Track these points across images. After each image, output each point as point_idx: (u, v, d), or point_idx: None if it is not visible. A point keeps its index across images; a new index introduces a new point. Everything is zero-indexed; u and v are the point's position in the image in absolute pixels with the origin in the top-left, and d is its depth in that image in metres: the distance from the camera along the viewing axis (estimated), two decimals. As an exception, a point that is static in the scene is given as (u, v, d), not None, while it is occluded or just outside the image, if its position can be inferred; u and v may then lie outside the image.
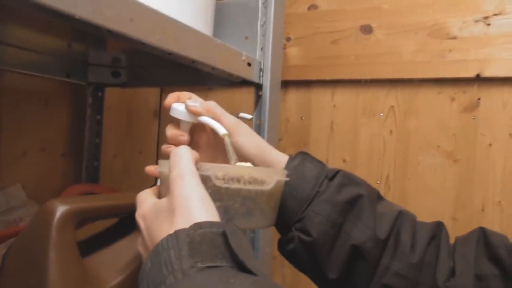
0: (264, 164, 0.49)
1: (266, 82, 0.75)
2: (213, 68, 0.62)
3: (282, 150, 1.04)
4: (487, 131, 0.87)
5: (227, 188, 0.37)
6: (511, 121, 0.86)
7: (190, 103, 0.49)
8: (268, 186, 0.40)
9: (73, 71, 0.83)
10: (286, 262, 0.50)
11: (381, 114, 0.96)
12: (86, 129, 0.92)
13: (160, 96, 1.18)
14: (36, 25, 0.63)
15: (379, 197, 0.49)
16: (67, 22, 0.38)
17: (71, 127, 0.91)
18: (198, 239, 0.30)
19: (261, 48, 0.76)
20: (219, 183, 0.37)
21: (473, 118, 0.88)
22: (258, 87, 0.76)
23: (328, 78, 0.99)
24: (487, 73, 0.86)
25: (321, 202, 0.46)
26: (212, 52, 0.60)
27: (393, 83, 0.95)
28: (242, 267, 0.30)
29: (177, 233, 0.31)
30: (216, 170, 0.38)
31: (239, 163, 0.46)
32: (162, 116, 1.16)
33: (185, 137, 0.49)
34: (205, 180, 0.37)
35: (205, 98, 1.22)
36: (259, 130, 0.75)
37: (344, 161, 1.00)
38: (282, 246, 0.48)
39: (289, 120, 1.05)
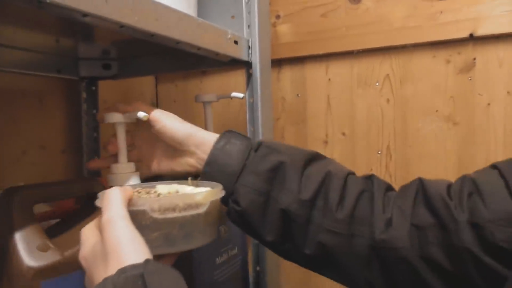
0: (188, 145, 0.54)
1: (256, 60, 0.74)
2: (199, 48, 0.61)
3: (280, 129, 1.04)
4: (485, 90, 0.86)
5: (164, 218, 0.39)
6: (508, 78, 0.84)
7: (120, 105, 0.58)
8: (203, 209, 0.42)
9: (64, 67, 0.83)
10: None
11: (377, 84, 0.95)
12: (83, 124, 0.92)
13: (156, 86, 1.18)
14: (23, 22, 0.63)
15: (311, 160, 0.52)
16: (38, 7, 0.37)
17: (68, 123, 0.91)
18: (121, 285, 0.31)
19: (248, 26, 0.75)
20: (155, 215, 0.39)
21: (470, 79, 0.87)
22: (248, 65, 0.75)
23: (320, 52, 0.99)
24: (480, 31, 0.84)
25: (247, 174, 0.50)
26: (196, 32, 0.59)
27: (386, 51, 0.94)
28: None
29: (104, 281, 0.33)
30: (151, 203, 0.39)
31: (170, 185, 0.48)
32: (160, 107, 1.16)
33: (112, 145, 0.57)
34: (142, 214, 0.39)
35: (200, 83, 1.23)
36: (252, 109, 0.75)
37: (344, 134, 0.99)
38: (228, 217, 0.53)
39: (285, 98, 1.05)
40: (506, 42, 0.83)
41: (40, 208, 0.62)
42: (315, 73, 1.01)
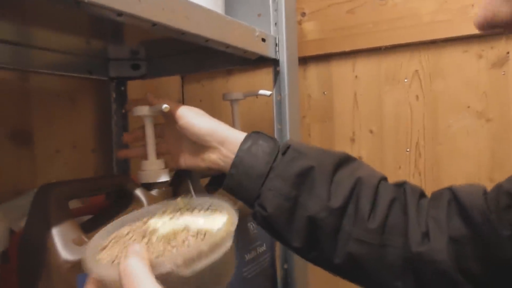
0: (212, 142, 0.53)
1: (283, 57, 0.74)
2: (228, 46, 0.62)
3: (306, 127, 1.04)
4: (520, 85, 0.83)
5: (193, 272, 0.33)
6: (544, 72, 0.81)
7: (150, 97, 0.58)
8: (229, 243, 0.36)
9: (94, 68, 0.85)
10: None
11: (406, 80, 0.94)
12: (113, 123, 0.94)
13: (182, 85, 1.19)
14: (55, 24, 0.65)
15: (340, 164, 0.50)
16: (75, 7, 0.38)
17: (98, 123, 0.93)
18: None
19: (275, 24, 0.75)
20: (182, 272, 0.32)
21: (503, 74, 0.85)
22: (276, 63, 0.75)
23: (347, 49, 0.98)
24: (515, 24, 0.81)
25: (273, 177, 0.48)
26: (225, 30, 0.60)
27: (415, 46, 0.92)
28: None
29: None
30: (174, 259, 0.32)
31: (181, 219, 0.40)
32: (186, 104, 1.18)
33: (125, 136, 0.61)
34: (168, 276, 0.32)
35: (226, 82, 1.23)
36: (280, 106, 0.75)
37: (371, 132, 0.98)
38: (254, 221, 0.52)
39: (311, 96, 1.04)
40: (542, 35, 0.81)
41: (73, 204, 0.63)
42: (341, 70, 1.00)
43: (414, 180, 0.93)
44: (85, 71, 0.83)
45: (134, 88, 0.98)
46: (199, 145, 0.55)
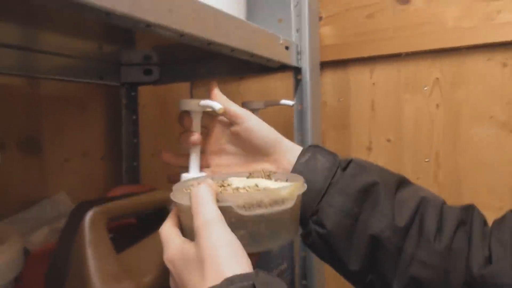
0: (274, 151, 0.49)
1: (305, 65, 0.71)
2: (252, 55, 0.59)
3: (322, 134, 1.01)
4: (546, 96, 0.81)
5: (250, 215, 0.37)
6: None
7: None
8: (289, 204, 0.39)
9: (106, 73, 0.81)
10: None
11: (425, 88, 0.91)
12: (123, 130, 0.91)
13: (191, 91, 1.16)
14: (66, 29, 0.62)
15: (402, 183, 0.47)
16: (105, 19, 0.35)
17: (108, 130, 0.90)
18: None
19: (297, 30, 0.72)
20: (241, 211, 0.36)
21: (529, 83, 0.82)
22: (297, 70, 0.72)
23: (365, 55, 0.94)
24: (543, 33, 0.79)
25: (334, 193, 0.45)
26: (250, 38, 0.57)
27: (436, 53, 0.89)
28: None
29: None
30: (236, 198, 0.37)
31: (256, 179, 0.45)
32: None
33: (196, 135, 0.50)
34: (227, 210, 0.36)
35: (237, 87, 1.20)
36: (301, 116, 0.72)
37: (389, 141, 0.95)
38: (304, 240, 0.48)
39: (326, 103, 1.01)
40: None
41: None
42: (359, 76, 0.97)
43: (433, 192, 0.90)
44: (96, 76, 0.80)
45: (144, 93, 0.95)
46: (254, 154, 0.50)
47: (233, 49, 0.54)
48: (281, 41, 0.65)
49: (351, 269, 0.45)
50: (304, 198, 0.44)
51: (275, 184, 0.43)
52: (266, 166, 0.50)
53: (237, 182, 0.43)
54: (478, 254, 0.42)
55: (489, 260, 0.41)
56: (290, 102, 0.69)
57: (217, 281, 0.30)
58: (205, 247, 0.33)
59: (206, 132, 0.54)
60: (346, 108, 0.99)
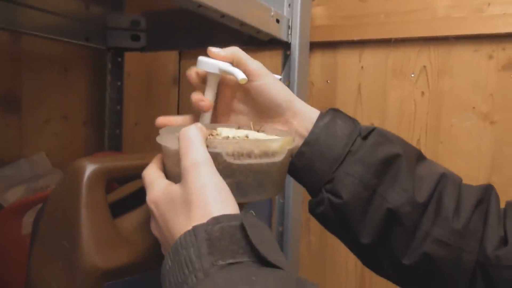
0: (287, 111, 0.46)
1: (295, 41, 0.71)
2: (242, 24, 0.58)
3: (307, 115, 1.01)
4: (528, 90, 0.82)
5: (239, 164, 0.36)
6: (554, 79, 0.80)
7: (213, 49, 0.45)
8: (279, 158, 0.38)
9: (92, 35, 0.79)
10: (313, 229, 0.47)
11: (412, 75, 0.92)
12: (107, 96, 0.89)
13: (179, 62, 1.15)
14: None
15: (420, 158, 0.45)
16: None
17: (91, 95, 0.89)
18: (217, 235, 0.29)
19: (289, 5, 0.71)
20: (230, 159, 0.36)
21: (512, 77, 0.83)
22: (286, 46, 0.72)
23: (355, 38, 0.94)
24: (530, 27, 0.80)
25: (353, 162, 0.42)
26: (241, 6, 0.56)
27: (425, 41, 0.90)
28: (264, 261, 0.29)
29: (195, 229, 0.30)
30: (226, 146, 0.36)
31: (246, 131, 0.43)
32: (182, 82, 1.13)
33: (207, 102, 0.45)
34: (216, 157, 0.35)
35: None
36: (287, 92, 0.72)
37: (373, 125, 0.96)
38: (312, 208, 0.45)
39: (313, 83, 1.01)
40: (556, 40, 0.79)
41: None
42: (347, 59, 0.97)
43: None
44: (81, 37, 0.78)
45: (130, 60, 0.93)
46: (266, 114, 0.47)
47: (223, 15, 0.53)
48: (272, 13, 0.64)
49: (362, 242, 0.43)
50: (320, 165, 0.42)
51: (265, 137, 0.42)
52: (277, 127, 0.47)
53: (226, 131, 0.42)
54: (493, 235, 0.41)
55: (504, 240, 0.41)
56: (278, 77, 0.68)
57: (204, 220, 0.30)
58: (193, 187, 0.32)
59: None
60: (333, 90, 0.99)
